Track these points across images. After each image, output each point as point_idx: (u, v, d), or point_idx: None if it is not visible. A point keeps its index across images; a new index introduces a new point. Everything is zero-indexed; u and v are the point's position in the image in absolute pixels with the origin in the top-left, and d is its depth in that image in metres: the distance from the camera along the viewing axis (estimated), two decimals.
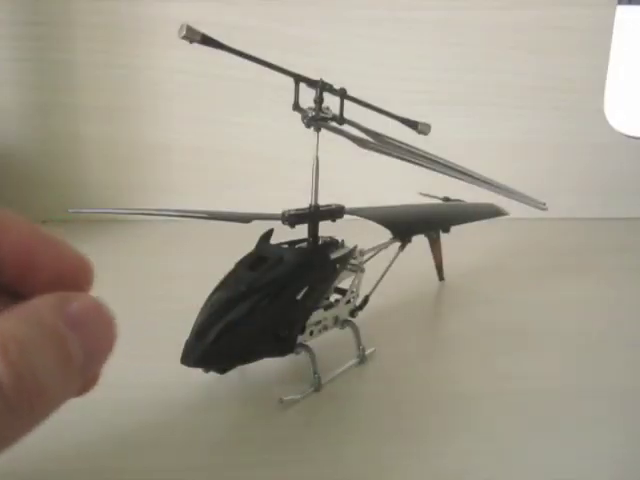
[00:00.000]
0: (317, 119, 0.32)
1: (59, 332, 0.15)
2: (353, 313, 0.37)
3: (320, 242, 0.35)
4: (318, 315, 0.34)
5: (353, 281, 0.37)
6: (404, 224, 0.40)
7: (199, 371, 0.32)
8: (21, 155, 0.72)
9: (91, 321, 0.16)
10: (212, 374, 0.32)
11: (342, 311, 0.36)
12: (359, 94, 0.33)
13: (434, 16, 0.72)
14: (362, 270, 0.37)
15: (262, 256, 0.33)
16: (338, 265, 0.35)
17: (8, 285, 0.18)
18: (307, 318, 0.33)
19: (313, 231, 0.34)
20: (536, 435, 0.30)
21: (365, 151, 0.34)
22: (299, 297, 0.32)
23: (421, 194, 0.52)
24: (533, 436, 0.30)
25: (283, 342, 0.32)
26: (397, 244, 0.40)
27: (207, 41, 0.27)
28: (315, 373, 0.33)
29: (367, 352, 0.37)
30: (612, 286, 0.53)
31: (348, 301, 0.37)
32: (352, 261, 0.36)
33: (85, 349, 0.16)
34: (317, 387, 0.33)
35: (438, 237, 0.50)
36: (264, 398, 0.32)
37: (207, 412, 0.32)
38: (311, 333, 0.34)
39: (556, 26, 0.73)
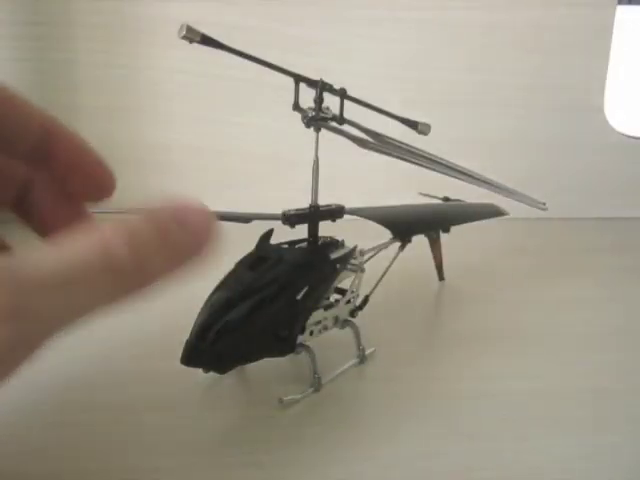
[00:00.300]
0: (317, 119, 0.32)
1: (170, 229, 0.21)
2: (353, 313, 0.37)
3: (320, 242, 0.35)
4: (318, 315, 0.34)
5: (353, 281, 0.37)
6: (404, 224, 0.40)
7: (199, 371, 0.32)
8: None
9: (196, 221, 0.22)
10: (212, 374, 0.32)
11: (342, 311, 0.36)
12: (359, 94, 0.33)
13: (434, 16, 0.72)
14: (362, 270, 0.37)
15: (262, 256, 0.33)
16: (338, 265, 0.35)
17: (56, 179, 0.25)
18: (307, 318, 0.33)
19: (313, 231, 0.34)
20: (536, 435, 0.30)
21: (365, 151, 0.34)
22: (299, 297, 0.32)
23: (421, 194, 0.52)
24: (533, 436, 0.30)
25: (283, 342, 0.32)
26: (397, 244, 0.40)
27: (207, 41, 0.27)
28: (315, 373, 0.33)
29: (367, 352, 0.37)
30: (613, 286, 0.53)
31: (348, 301, 0.37)
32: (352, 261, 0.36)
33: (189, 240, 0.21)
34: (317, 387, 0.33)
35: (438, 237, 0.50)
36: (264, 398, 0.32)
37: (207, 412, 0.32)
38: (311, 333, 0.34)
39: (556, 26, 0.73)
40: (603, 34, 0.74)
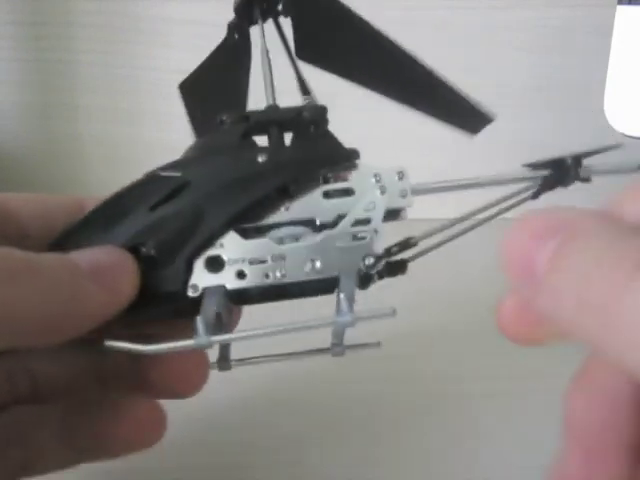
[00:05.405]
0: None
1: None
2: (366, 278, 0.22)
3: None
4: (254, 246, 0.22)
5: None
6: None
7: None
8: (21, 155, 0.72)
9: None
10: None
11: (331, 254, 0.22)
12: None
13: (434, 16, 0.72)
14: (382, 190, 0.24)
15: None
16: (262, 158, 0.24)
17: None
18: (207, 240, 0.23)
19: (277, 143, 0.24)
20: (537, 435, 0.30)
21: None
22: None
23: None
24: (534, 436, 0.30)
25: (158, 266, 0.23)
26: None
27: None
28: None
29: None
30: None
31: (356, 237, 0.22)
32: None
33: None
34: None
35: None
36: (263, 398, 0.32)
37: (208, 412, 0.32)
38: (241, 275, 0.22)
39: (556, 26, 0.73)
40: (603, 34, 0.74)
